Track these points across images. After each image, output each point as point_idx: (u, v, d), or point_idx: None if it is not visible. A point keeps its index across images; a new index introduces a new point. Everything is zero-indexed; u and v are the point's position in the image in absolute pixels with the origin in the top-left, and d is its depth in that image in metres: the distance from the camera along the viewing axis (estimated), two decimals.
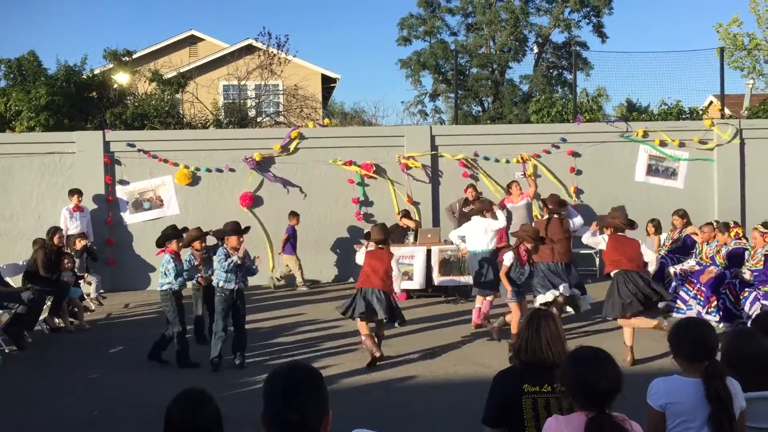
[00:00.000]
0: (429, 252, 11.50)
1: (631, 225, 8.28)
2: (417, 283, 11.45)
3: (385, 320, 8.04)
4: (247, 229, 8.34)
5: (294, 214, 12.88)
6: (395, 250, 9.47)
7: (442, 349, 8.55)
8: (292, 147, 13.56)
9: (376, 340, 7.99)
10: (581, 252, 13.35)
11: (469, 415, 5.06)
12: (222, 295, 7.94)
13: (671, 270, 10.43)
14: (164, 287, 8.11)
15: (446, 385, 7.25)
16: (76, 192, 12.43)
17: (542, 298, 8.81)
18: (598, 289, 9.82)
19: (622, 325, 7.97)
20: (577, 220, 9.66)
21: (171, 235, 8.44)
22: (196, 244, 8.92)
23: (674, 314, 9.67)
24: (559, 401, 3.45)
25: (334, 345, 8.93)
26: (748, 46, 20.00)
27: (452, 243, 10.39)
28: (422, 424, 6.21)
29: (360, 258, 8.43)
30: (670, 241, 11.24)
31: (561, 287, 8.74)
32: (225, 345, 7.91)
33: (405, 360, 8.13)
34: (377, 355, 7.86)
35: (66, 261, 10.39)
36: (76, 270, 10.86)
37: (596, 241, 8.47)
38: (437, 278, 11.49)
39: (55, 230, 10.52)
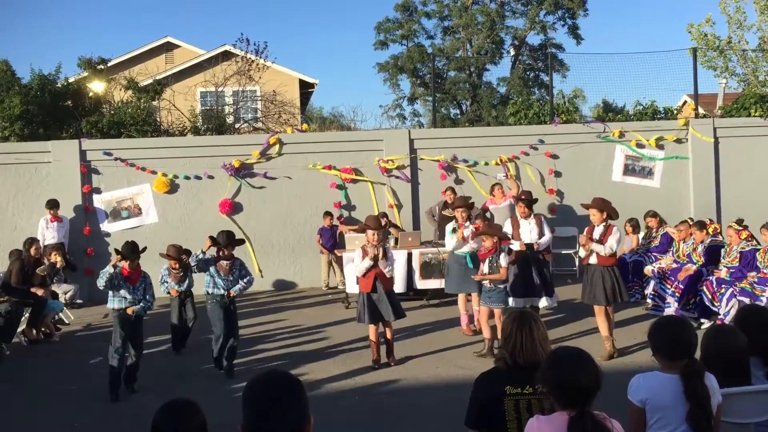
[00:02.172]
0: (410, 255, 11.51)
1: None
2: (398, 286, 11.41)
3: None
4: (241, 241, 8.44)
5: (327, 214, 12.97)
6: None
7: (424, 352, 8.56)
8: (270, 153, 13.54)
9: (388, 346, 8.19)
10: (562, 252, 13.45)
11: (451, 417, 5.07)
12: (212, 302, 7.81)
13: (649, 268, 10.53)
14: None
15: (428, 388, 7.26)
16: (53, 203, 12.30)
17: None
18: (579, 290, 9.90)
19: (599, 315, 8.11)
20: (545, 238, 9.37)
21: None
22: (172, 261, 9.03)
23: (653, 312, 9.79)
24: (541, 402, 3.45)
25: (316, 350, 8.92)
26: (719, 46, 20.26)
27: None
28: (405, 428, 6.21)
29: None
30: (647, 240, 11.36)
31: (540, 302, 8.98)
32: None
33: (387, 363, 8.11)
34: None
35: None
36: (54, 280, 10.76)
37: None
38: (418, 281, 11.50)
39: (31, 241, 10.39)
